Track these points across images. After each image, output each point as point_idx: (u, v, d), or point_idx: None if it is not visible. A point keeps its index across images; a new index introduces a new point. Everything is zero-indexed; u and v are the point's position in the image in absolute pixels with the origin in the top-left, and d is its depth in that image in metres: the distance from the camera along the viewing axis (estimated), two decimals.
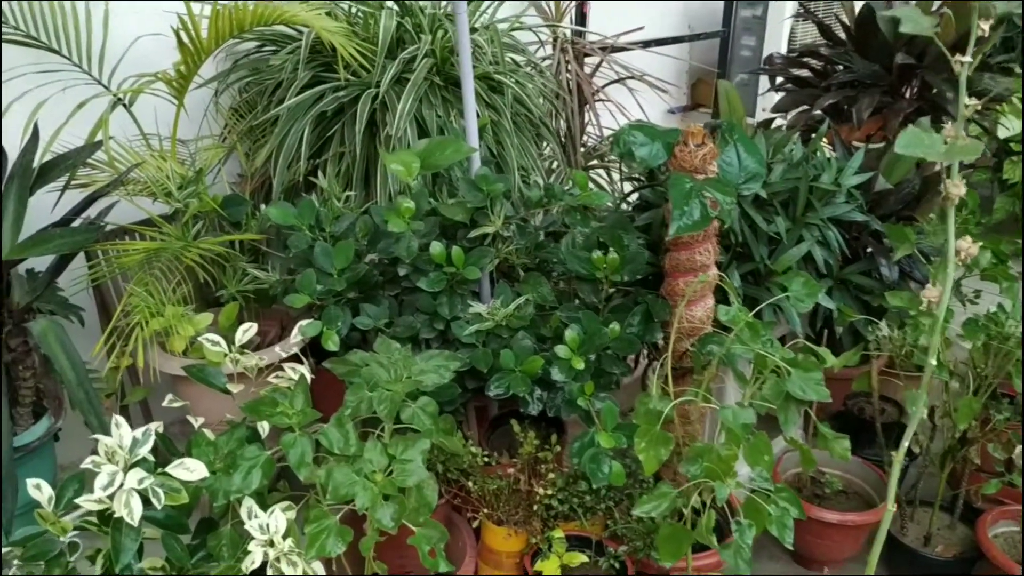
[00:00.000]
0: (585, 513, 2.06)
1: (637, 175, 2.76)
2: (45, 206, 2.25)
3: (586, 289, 2.18)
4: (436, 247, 2.05)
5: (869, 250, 2.61)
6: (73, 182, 2.25)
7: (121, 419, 1.58)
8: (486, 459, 2.06)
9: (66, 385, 2.01)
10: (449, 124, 2.43)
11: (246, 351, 2.00)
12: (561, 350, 1.96)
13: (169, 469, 1.60)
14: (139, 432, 1.61)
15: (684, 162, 2.03)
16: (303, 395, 1.74)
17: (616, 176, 3.31)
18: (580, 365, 1.95)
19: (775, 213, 2.38)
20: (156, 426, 1.64)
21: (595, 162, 3.40)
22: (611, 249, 2.15)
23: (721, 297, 2.05)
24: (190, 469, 1.61)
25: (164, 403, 1.95)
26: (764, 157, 2.16)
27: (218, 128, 2.69)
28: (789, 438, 1.92)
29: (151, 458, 1.60)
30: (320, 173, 2.47)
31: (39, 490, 1.66)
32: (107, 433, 1.80)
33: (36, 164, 2.11)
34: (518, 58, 2.94)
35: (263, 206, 2.41)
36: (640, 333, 2.11)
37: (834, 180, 2.49)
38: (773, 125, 3.38)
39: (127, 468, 1.56)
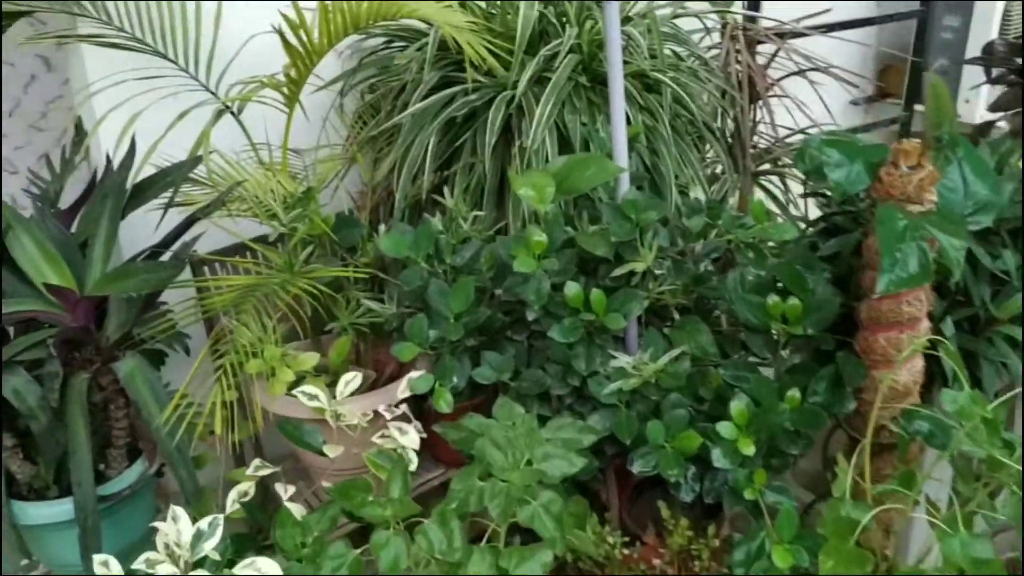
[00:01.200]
0: None
1: (822, 191, 2.30)
2: (150, 223, 2.04)
3: (757, 342, 1.76)
4: (572, 288, 1.68)
5: None
6: (176, 201, 2.03)
7: (180, 511, 1.32)
8: (624, 549, 1.69)
9: (155, 433, 1.79)
10: (595, 132, 2.05)
11: (347, 406, 1.72)
12: (725, 428, 1.56)
13: (239, 570, 1.32)
14: (205, 523, 1.34)
15: (893, 189, 1.58)
16: (401, 481, 1.42)
17: (792, 186, 2.84)
18: (749, 449, 1.54)
19: (1002, 245, 1.88)
20: (222, 516, 1.36)
21: (766, 166, 2.93)
22: (790, 293, 1.72)
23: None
24: (262, 571, 1.33)
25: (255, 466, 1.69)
26: (996, 178, 1.67)
27: (341, 137, 2.42)
28: None
29: (216, 556, 1.33)
30: (447, 188, 2.15)
31: (106, 567, 1.42)
32: (194, 488, 1.57)
33: (131, 182, 1.90)
34: (679, 50, 2.52)
35: (381, 227, 2.12)
36: (827, 403, 1.68)
37: None
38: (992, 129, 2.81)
39: (188, 569, 1.29)
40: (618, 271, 1.72)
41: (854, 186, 1.58)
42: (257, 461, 1.65)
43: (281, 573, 1.32)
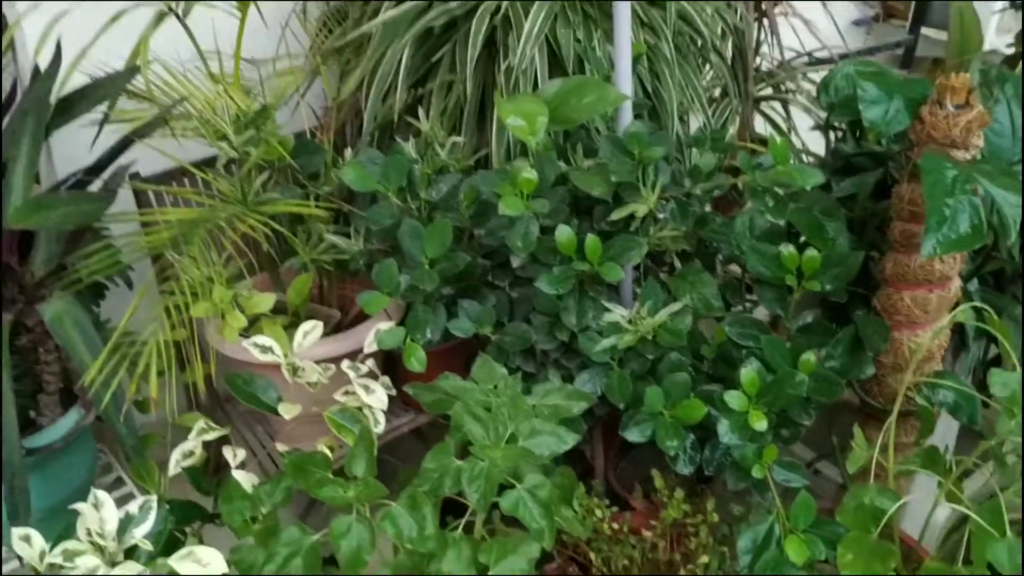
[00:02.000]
0: None
1: (836, 124, 2.09)
2: (85, 142, 1.79)
3: (768, 296, 1.58)
4: (564, 233, 1.48)
5: None
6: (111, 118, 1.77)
7: (103, 496, 1.12)
8: (612, 523, 1.53)
9: (87, 383, 1.59)
10: (591, 51, 1.81)
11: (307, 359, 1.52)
12: (734, 398, 1.38)
13: (175, 562, 1.14)
14: (135, 505, 1.15)
15: (936, 131, 1.37)
16: (366, 457, 1.24)
17: (796, 114, 2.62)
18: (761, 424, 1.36)
19: None
20: (155, 499, 1.17)
21: (768, 91, 2.71)
22: (807, 243, 1.53)
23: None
24: (202, 562, 1.14)
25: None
26: None
27: (303, 46, 2.16)
28: None
29: (147, 545, 1.14)
30: (421, 109, 1.91)
31: (28, 544, 1.23)
32: (134, 444, 1.38)
33: (57, 95, 1.64)
34: None
35: (347, 152, 1.88)
36: (844, 368, 1.51)
37: None
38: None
39: (113, 562, 1.10)
40: (616, 214, 1.51)
41: (892, 126, 1.37)
42: (201, 422, 1.45)
43: (225, 572, 1.14)
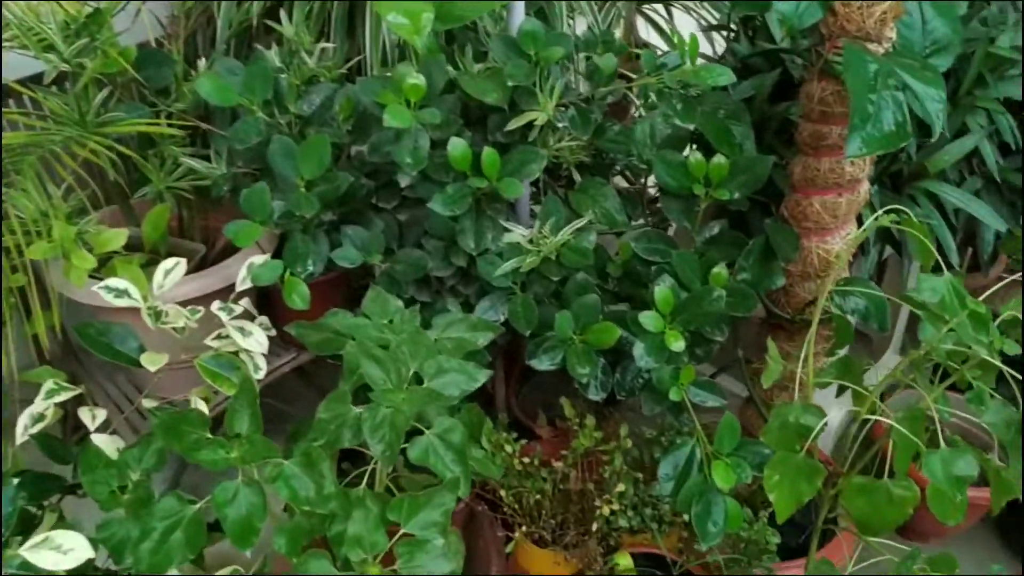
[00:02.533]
0: (661, 527, 1.46)
1: (730, 23, 1.99)
2: None
3: (674, 208, 1.48)
4: (457, 147, 1.33)
5: None
6: None
7: None
8: (523, 456, 1.43)
9: None
10: None
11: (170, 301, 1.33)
12: (649, 319, 1.29)
13: (28, 553, 0.96)
14: None
15: (850, 23, 1.29)
16: (250, 412, 1.08)
17: (679, 17, 2.51)
18: (679, 344, 1.28)
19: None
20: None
21: None
22: (711, 150, 1.44)
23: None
24: (62, 548, 0.98)
25: None
26: (957, 13, 1.40)
27: None
28: None
29: None
30: (283, 12, 1.70)
31: None
32: None
33: None
34: None
35: (200, 63, 1.66)
36: (755, 279, 1.44)
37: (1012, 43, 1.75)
38: None
39: None
40: (514, 123, 1.37)
41: (805, 18, 1.27)
42: (51, 381, 1.25)
43: (90, 554, 0.97)
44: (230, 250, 1.80)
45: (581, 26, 2.12)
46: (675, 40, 1.55)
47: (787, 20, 1.28)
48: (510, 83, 1.32)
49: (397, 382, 1.09)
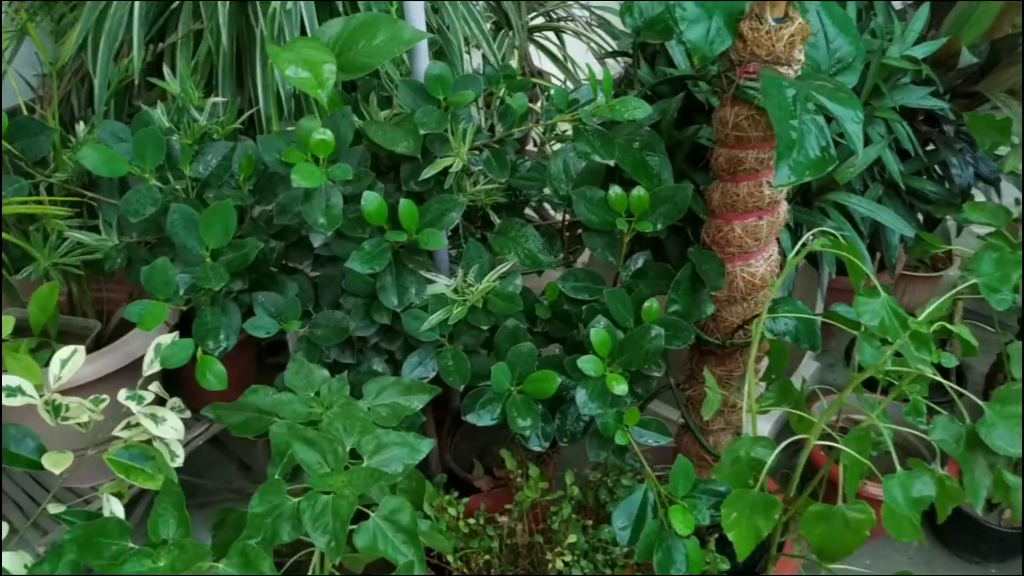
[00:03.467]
0: (615, 570, 1.41)
1: (626, 48, 1.98)
2: None
3: (597, 243, 1.45)
4: (371, 202, 1.26)
5: (930, 147, 1.94)
6: None
7: None
8: (468, 517, 1.36)
9: None
10: None
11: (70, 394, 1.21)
12: (589, 364, 1.24)
13: None
14: None
15: (759, 47, 1.28)
16: (175, 515, 0.98)
17: (571, 44, 2.51)
18: (622, 387, 1.24)
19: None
20: None
21: (540, 20, 2.57)
22: (629, 182, 1.41)
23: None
24: None
25: None
26: (856, 29, 1.42)
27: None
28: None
29: None
30: (166, 67, 1.60)
31: None
32: None
33: None
34: None
35: (79, 126, 1.54)
36: (686, 310, 1.41)
37: (902, 53, 1.79)
38: None
39: None
40: (429, 171, 1.31)
41: (715, 46, 1.26)
42: None
43: None
44: (127, 324, 1.69)
45: (476, 58, 2.08)
46: (567, 67, 1.53)
47: (697, 49, 1.27)
48: (422, 131, 1.26)
49: (335, 463, 1.01)
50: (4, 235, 1.42)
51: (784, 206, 1.47)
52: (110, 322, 1.70)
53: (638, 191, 1.39)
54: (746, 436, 1.17)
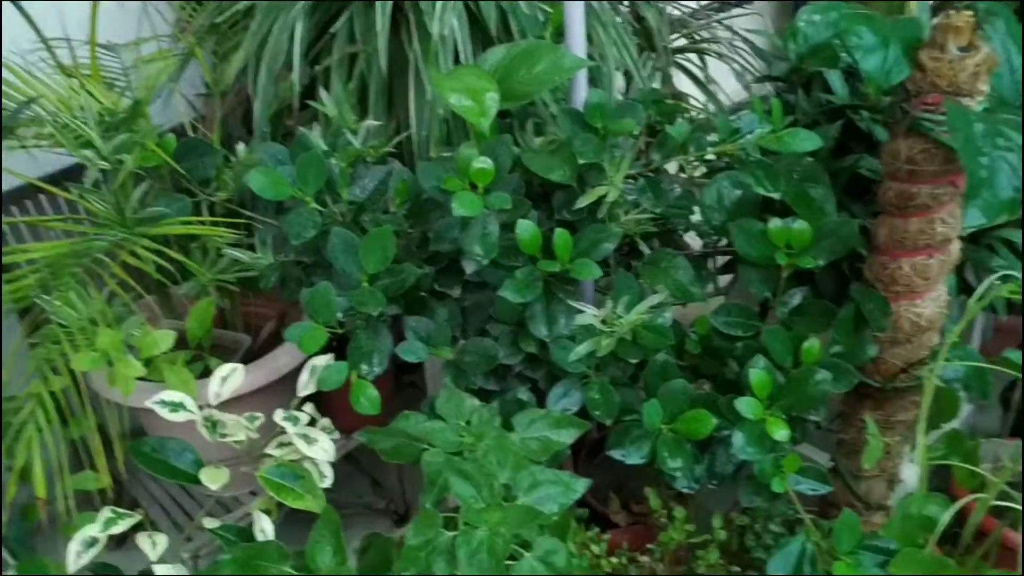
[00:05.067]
0: None
1: (780, 73, 1.92)
2: None
3: (754, 278, 1.39)
4: (526, 230, 1.24)
5: None
6: None
7: None
8: (611, 555, 1.33)
9: None
10: (518, 10, 1.57)
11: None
12: (747, 406, 1.19)
13: None
14: None
15: (940, 79, 1.21)
16: (332, 543, 0.98)
17: (715, 67, 2.44)
18: (781, 432, 1.18)
19: None
20: None
21: (682, 42, 2.52)
22: (789, 213, 1.35)
23: None
24: None
25: None
26: None
27: (170, 24, 1.82)
28: None
29: None
30: (321, 88, 1.63)
31: None
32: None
33: None
34: None
35: (239, 147, 1.58)
36: (848, 351, 1.34)
37: None
38: None
39: None
40: (584, 200, 1.29)
41: (892, 76, 1.20)
42: (108, 511, 1.15)
43: None
44: (274, 338, 1.73)
45: (617, 80, 2.05)
46: (709, 89, 1.47)
47: (872, 79, 1.21)
48: (581, 160, 1.24)
49: (489, 498, 0.99)
50: (167, 251, 1.47)
51: (957, 244, 1.38)
52: (259, 336, 1.75)
53: (799, 224, 1.33)
54: (919, 492, 1.09)
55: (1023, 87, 1.29)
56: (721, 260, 1.62)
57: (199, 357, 1.62)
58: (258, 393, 1.56)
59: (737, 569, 1.32)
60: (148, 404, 1.20)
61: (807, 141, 1.25)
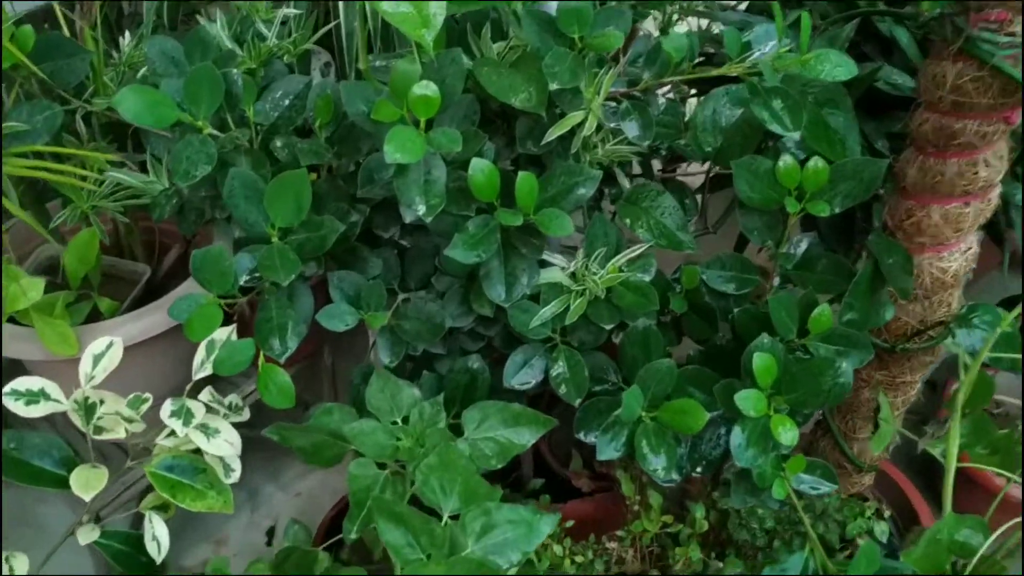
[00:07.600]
0: None
1: None
2: None
3: (755, 225, 1.15)
4: (481, 171, 0.98)
5: None
6: None
7: None
8: (574, 555, 1.14)
9: None
10: None
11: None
12: (749, 400, 0.97)
13: None
14: None
15: None
16: None
17: None
18: (790, 434, 0.97)
19: None
20: None
21: None
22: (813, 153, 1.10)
23: None
24: None
25: None
26: None
27: None
28: None
29: None
30: None
31: None
32: None
33: None
34: None
35: (123, 40, 1.27)
36: (861, 320, 1.12)
37: None
38: None
39: None
40: (555, 130, 1.02)
41: None
42: None
43: None
44: (181, 265, 1.47)
45: None
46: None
47: None
48: (554, 84, 0.96)
49: (430, 546, 0.77)
50: (38, 175, 1.18)
51: (997, 191, 1.15)
52: (162, 265, 1.48)
53: (815, 163, 1.08)
54: (950, 514, 0.90)
55: None
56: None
57: (86, 297, 1.35)
58: (158, 341, 1.30)
59: (718, 564, 1.14)
60: (6, 388, 0.95)
61: (840, 68, 0.98)
